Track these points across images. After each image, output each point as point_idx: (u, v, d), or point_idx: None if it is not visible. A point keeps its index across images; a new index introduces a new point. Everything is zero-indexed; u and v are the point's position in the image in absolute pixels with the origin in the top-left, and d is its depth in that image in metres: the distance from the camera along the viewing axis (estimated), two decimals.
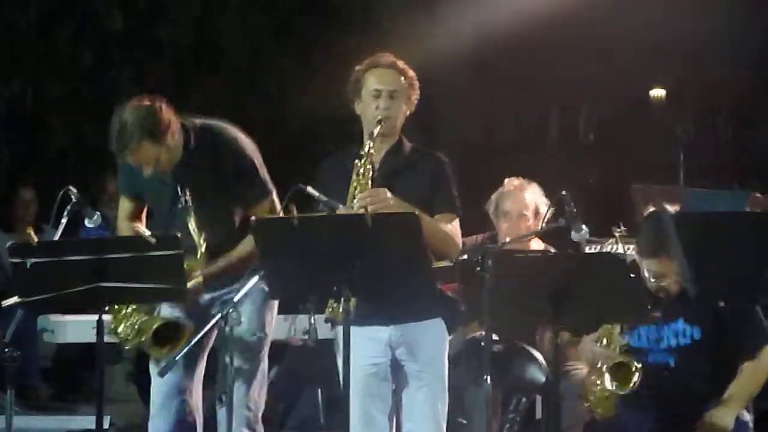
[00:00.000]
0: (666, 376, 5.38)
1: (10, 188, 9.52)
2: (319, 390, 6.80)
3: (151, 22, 11.35)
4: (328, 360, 5.47)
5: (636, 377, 5.27)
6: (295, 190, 5.03)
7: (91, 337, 5.75)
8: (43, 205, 8.75)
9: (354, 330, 4.75)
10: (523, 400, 6.26)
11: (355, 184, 5.12)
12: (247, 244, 5.29)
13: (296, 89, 11.45)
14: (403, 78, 5.28)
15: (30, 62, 11.04)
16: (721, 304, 5.29)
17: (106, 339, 5.12)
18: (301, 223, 4.66)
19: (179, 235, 5.04)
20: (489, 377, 5.05)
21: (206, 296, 5.43)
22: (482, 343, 5.19)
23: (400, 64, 5.32)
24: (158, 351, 5.29)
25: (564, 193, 5.55)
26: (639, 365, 5.30)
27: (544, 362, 5.94)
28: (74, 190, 5.54)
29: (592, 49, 12.09)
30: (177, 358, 5.14)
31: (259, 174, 5.43)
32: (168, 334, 5.27)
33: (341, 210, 5.05)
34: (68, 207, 5.55)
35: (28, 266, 4.83)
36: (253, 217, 4.95)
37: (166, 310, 5.42)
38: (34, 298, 4.95)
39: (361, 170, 5.13)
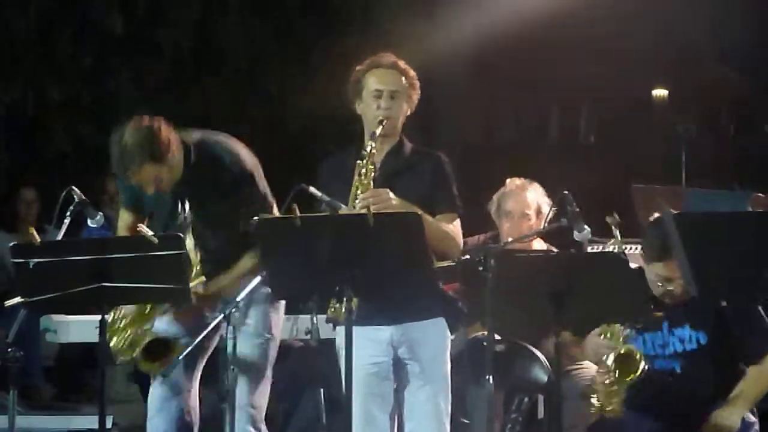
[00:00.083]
0: (671, 382, 5.38)
1: (12, 188, 9.53)
2: (321, 390, 6.79)
3: (151, 23, 11.35)
4: (330, 360, 5.47)
5: (641, 364, 5.27)
6: (297, 190, 5.04)
7: (93, 337, 5.78)
8: (46, 206, 8.75)
9: (356, 330, 4.74)
10: (525, 400, 6.27)
11: (357, 184, 5.12)
12: (248, 262, 5.32)
13: (296, 90, 11.46)
14: (404, 78, 5.28)
15: (30, 65, 11.05)
16: (723, 303, 5.30)
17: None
18: (304, 223, 4.66)
19: (182, 235, 5.06)
20: (491, 377, 5.06)
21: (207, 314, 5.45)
22: (484, 343, 5.19)
23: (401, 64, 5.32)
24: (148, 365, 5.31)
25: (566, 192, 5.56)
26: (642, 353, 5.30)
27: (546, 362, 5.94)
28: (77, 190, 5.55)
29: (592, 50, 12.09)
30: (180, 358, 5.16)
31: (258, 187, 5.41)
32: (159, 350, 5.28)
33: (343, 210, 5.06)
34: (71, 207, 5.56)
35: (30, 266, 4.84)
36: (255, 218, 4.95)
37: (162, 326, 5.43)
38: (37, 298, 4.96)
39: (363, 170, 5.13)
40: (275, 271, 4.80)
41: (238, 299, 5.00)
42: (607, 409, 5.37)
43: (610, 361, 5.31)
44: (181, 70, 11.43)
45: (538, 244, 6.43)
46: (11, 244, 4.99)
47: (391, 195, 5.06)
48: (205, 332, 5.18)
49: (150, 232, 4.98)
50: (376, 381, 5.22)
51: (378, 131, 5.16)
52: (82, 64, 11.17)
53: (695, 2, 11.45)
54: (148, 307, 5.33)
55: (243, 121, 11.20)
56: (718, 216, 4.18)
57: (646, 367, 5.28)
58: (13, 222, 8.98)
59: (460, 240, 5.28)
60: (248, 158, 5.44)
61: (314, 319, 6.40)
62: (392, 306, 5.11)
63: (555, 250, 6.27)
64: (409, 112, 5.32)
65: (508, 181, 6.56)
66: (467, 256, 5.24)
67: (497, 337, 5.56)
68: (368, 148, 5.15)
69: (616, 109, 13.76)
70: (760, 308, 5.34)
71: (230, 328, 5.02)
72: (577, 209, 5.57)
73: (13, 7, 10.86)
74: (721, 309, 5.34)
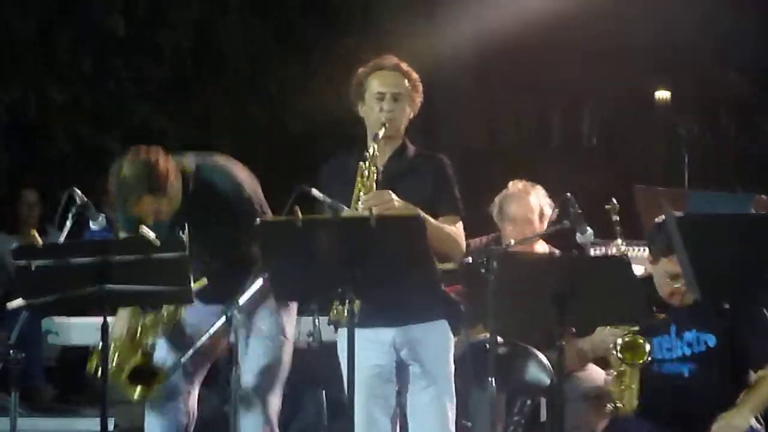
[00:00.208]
0: (679, 386, 5.38)
1: (12, 189, 9.52)
2: (323, 392, 6.79)
3: (151, 24, 11.36)
4: (332, 362, 5.46)
5: (647, 348, 5.27)
6: (299, 191, 5.03)
7: (95, 339, 5.76)
8: (47, 208, 8.74)
9: (358, 332, 4.74)
10: (528, 402, 6.26)
11: (359, 186, 5.11)
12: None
13: (296, 90, 11.47)
14: (406, 80, 5.28)
15: (31, 66, 11.05)
16: (726, 306, 5.30)
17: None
18: (306, 225, 4.65)
19: (184, 236, 5.05)
20: (493, 379, 5.06)
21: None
22: (487, 346, 5.18)
23: (404, 66, 5.31)
24: (131, 390, 5.30)
25: (568, 195, 5.55)
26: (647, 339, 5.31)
27: (548, 364, 5.93)
28: (78, 191, 5.53)
29: (593, 52, 12.10)
30: (183, 360, 5.16)
31: (256, 208, 5.39)
32: (144, 376, 5.27)
33: (345, 212, 5.05)
34: (73, 209, 5.55)
35: (32, 268, 4.83)
36: (258, 219, 4.94)
37: (162, 354, 5.41)
38: (39, 300, 4.95)
39: (366, 172, 5.12)
40: (277, 272, 4.79)
41: (240, 302, 4.99)
42: (621, 406, 5.36)
43: (618, 345, 5.31)
44: (181, 71, 11.43)
45: (541, 247, 6.42)
46: (13, 246, 4.98)
47: (394, 197, 5.05)
48: (206, 336, 5.17)
49: (152, 234, 4.97)
50: (378, 383, 5.21)
51: (381, 133, 5.15)
52: (82, 65, 11.19)
53: (695, 3, 11.46)
54: (138, 333, 5.33)
55: (243, 122, 11.22)
56: (720, 218, 4.17)
57: (651, 353, 5.29)
58: (14, 224, 8.97)
59: (463, 242, 5.28)
60: (247, 181, 5.43)
61: (316, 321, 6.40)
62: (394, 308, 5.11)
63: (557, 252, 6.27)
64: (411, 115, 5.31)
65: (510, 184, 6.53)
66: (470, 258, 5.23)
67: (500, 339, 5.55)
68: (371, 150, 5.14)
69: (618, 111, 13.77)
70: (765, 311, 5.33)
71: (235, 331, 5.00)
72: (579, 211, 5.56)
73: (13, 7, 10.86)
74: (726, 311, 5.33)
